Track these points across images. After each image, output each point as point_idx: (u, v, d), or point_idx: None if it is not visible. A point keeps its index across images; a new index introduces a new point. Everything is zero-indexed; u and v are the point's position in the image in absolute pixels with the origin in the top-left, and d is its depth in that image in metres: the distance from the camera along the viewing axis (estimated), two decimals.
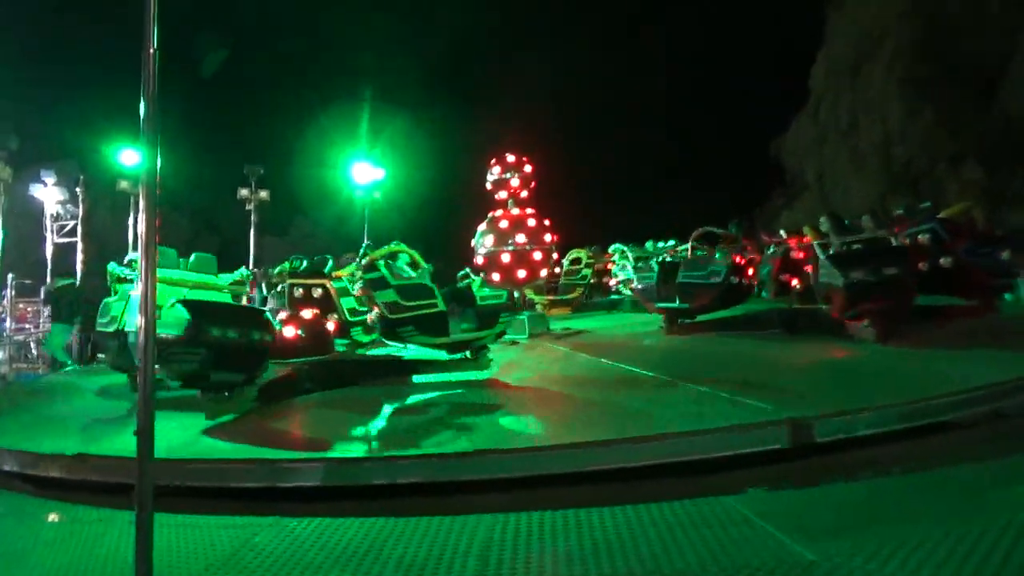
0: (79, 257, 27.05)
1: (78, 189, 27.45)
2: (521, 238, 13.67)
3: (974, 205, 11.79)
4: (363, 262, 8.94)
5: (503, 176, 14.10)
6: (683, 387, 6.86)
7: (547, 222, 14.15)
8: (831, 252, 9.40)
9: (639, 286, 13.63)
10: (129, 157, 25.12)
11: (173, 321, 6.70)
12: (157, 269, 2.80)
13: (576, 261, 19.27)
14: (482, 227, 14.10)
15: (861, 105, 22.82)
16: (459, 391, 7.90)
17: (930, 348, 8.53)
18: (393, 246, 9.17)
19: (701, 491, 4.14)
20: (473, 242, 14.18)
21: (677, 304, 12.12)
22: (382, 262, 8.83)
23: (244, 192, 27.75)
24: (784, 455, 4.69)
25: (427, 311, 8.72)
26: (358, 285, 9.06)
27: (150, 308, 2.74)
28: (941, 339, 9.01)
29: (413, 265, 9.27)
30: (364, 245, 9.99)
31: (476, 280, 10.23)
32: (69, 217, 27.76)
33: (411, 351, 10.08)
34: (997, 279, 9.64)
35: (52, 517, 4.62)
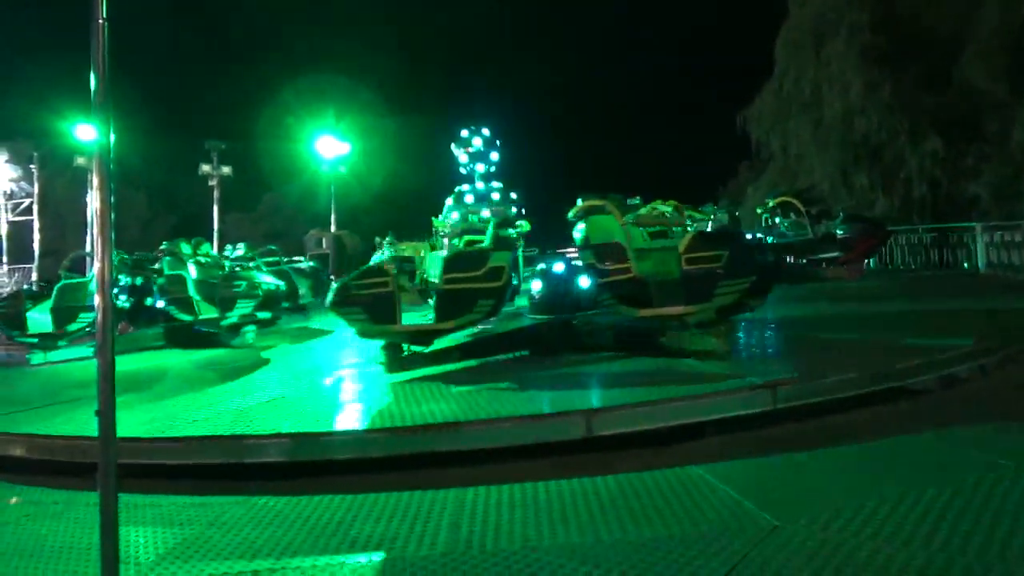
0: (36, 236, 26.34)
1: (32, 166, 26.64)
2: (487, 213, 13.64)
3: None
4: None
5: (464, 150, 14.02)
6: None
7: (513, 195, 14.11)
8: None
9: None
10: (85, 132, 24.34)
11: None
12: None
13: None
14: (447, 201, 14.01)
15: (823, 78, 22.97)
16: None
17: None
18: (658, 204, 8.88)
19: (667, 460, 4.21)
20: (440, 216, 14.09)
21: None
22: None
23: (206, 168, 27.16)
24: (743, 423, 4.80)
25: (625, 276, 8.36)
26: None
27: (106, 285, 2.68)
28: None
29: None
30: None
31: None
32: (24, 195, 26.99)
33: None
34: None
35: (13, 500, 4.55)
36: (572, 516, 3.44)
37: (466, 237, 9.05)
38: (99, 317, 2.74)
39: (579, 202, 7.41)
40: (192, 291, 10.70)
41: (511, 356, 7.74)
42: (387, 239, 17.07)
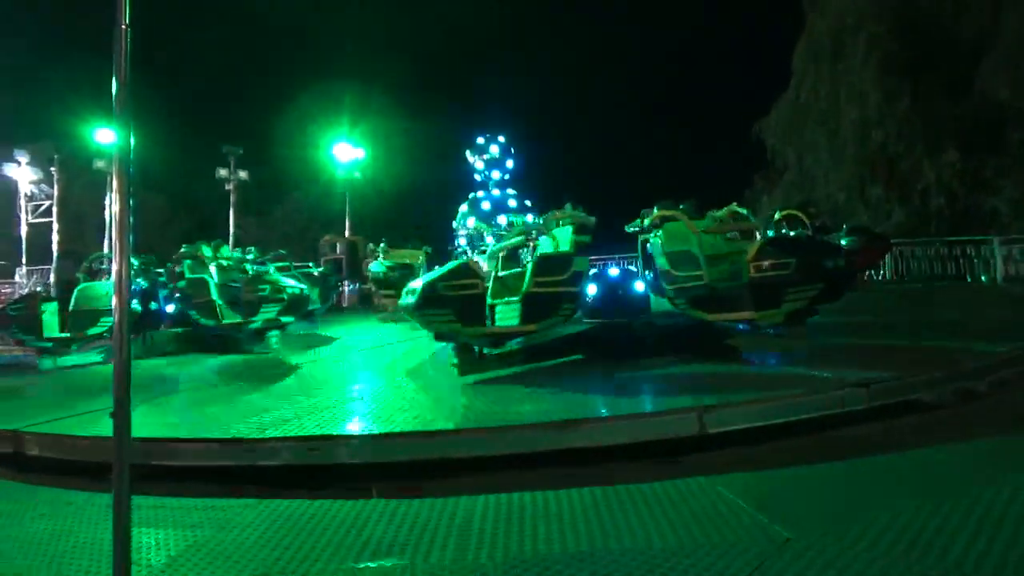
0: (55, 238, 26.64)
1: (53, 169, 26.98)
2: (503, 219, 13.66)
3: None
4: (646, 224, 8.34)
5: (478, 158, 14.08)
6: None
7: (527, 203, 14.12)
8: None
9: None
10: (105, 136, 24.67)
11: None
12: None
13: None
14: (462, 207, 14.05)
15: (840, 89, 22.87)
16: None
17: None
18: (734, 207, 8.81)
19: (679, 471, 4.19)
20: (455, 222, 14.15)
21: None
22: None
23: (223, 172, 27.39)
24: (760, 435, 4.76)
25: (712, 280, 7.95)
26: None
27: (125, 285, 2.71)
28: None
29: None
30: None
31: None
32: (44, 197, 27.33)
33: None
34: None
35: (28, 499, 4.58)
36: (583, 525, 3.43)
37: (505, 243, 9.02)
38: (116, 318, 2.77)
39: (654, 210, 7.78)
40: (215, 295, 10.29)
41: (580, 357, 7.84)
42: (380, 247, 17.16)
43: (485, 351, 7.26)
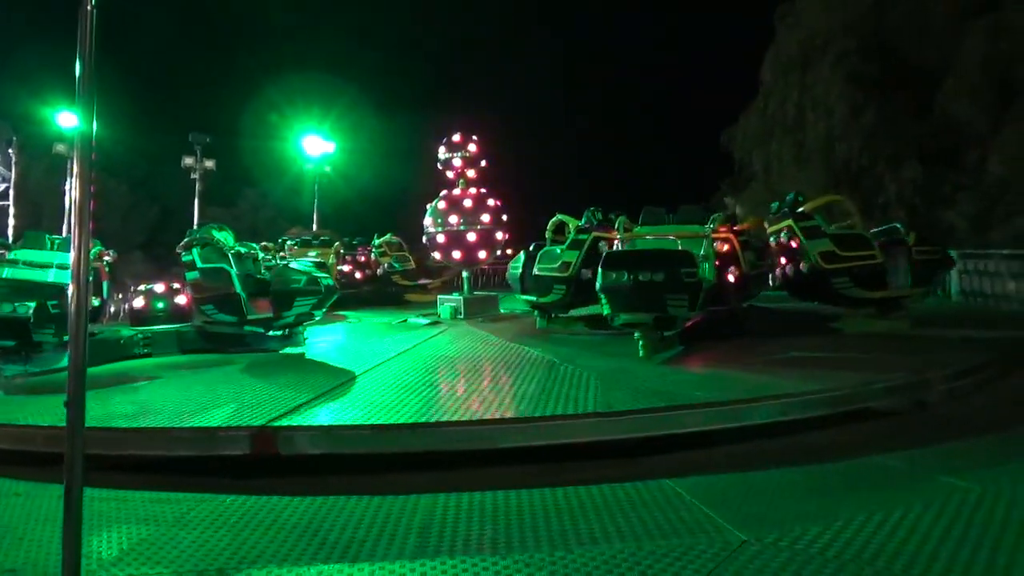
0: (11, 222, 25.94)
1: (11, 151, 26.26)
2: (486, 217, 13.60)
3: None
4: (798, 211, 9.04)
5: (453, 155, 14.00)
6: None
7: (498, 202, 14.09)
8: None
9: None
10: (67, 119, 24.05)
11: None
12: None
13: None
14: (440, 205, 13.94)
15: (807, 101, 23.26)
16: None
17: None
18: (828, 198, 9.36)
19: (640, 473, 4.22)
20: (427, 218, 14.04)
21: None
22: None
23: (189, 161, 26.84)
24: (719, 438, 4.83)
25: (865, 262, 8.54)
26: (782, 235, 9.26)
27: (82, 274, 2.65)
28: None
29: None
30: (792, 194, 9.73)
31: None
32: (1, 180, 26.58)
33: None
34: None
35: None
36: (543, 527, 3.44)
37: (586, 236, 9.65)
38: (72, 307, 2.71)
39: (800, 199, 9.22)
40: (238, 287, 9.00)
41: (720, 337, 8.32)
42: (285, 245, 16.94)
43: (665, 333, 7.63)
